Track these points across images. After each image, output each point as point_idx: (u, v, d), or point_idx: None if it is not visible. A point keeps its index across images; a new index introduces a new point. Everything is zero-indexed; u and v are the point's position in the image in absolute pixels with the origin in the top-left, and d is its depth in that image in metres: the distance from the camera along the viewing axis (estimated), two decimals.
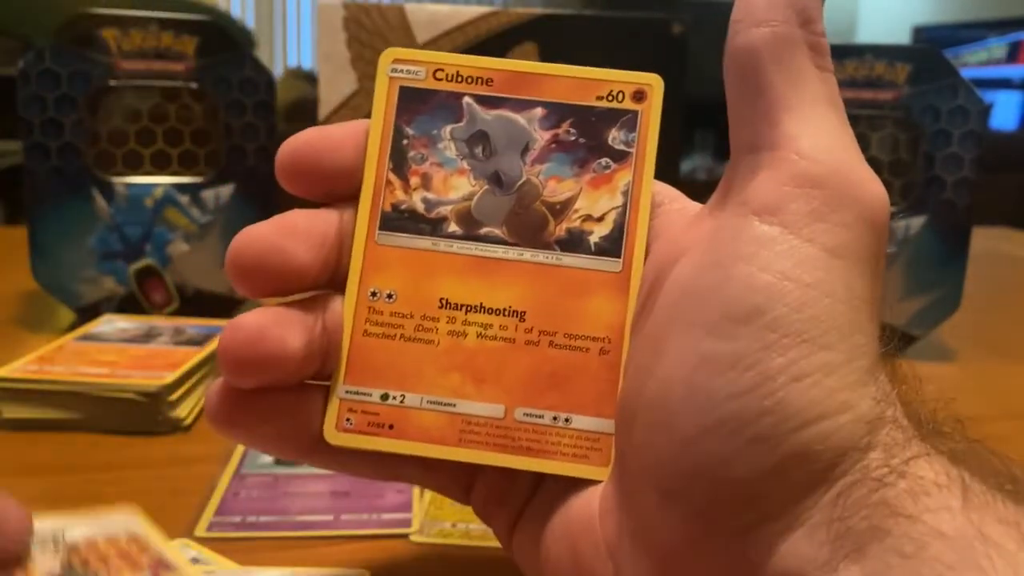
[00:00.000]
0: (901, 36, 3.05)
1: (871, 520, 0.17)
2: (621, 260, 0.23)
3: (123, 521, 0.27)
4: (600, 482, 0.22)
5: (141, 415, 0.38)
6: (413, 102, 0.24)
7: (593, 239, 0.23)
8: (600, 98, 0.23)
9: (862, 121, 0.55)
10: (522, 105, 0.24)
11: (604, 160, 0.23)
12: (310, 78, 1.86)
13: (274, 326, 0.21)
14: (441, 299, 0.23)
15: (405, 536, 0.30)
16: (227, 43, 0.53)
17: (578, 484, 0.22)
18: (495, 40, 0.57)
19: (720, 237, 0.20)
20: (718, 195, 0.22)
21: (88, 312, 0.52)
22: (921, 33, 3.06)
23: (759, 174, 0.20)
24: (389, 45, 0.56)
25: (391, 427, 0.23)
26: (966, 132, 0.53)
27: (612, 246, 0.23)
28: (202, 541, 0.29)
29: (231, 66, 0.53)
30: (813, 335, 0.18)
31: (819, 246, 0.19)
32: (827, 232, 0.19)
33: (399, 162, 0.23)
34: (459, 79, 0.24)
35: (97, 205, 0.52)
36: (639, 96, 0.23)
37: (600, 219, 0.23)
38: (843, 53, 0.53)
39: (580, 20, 0.59)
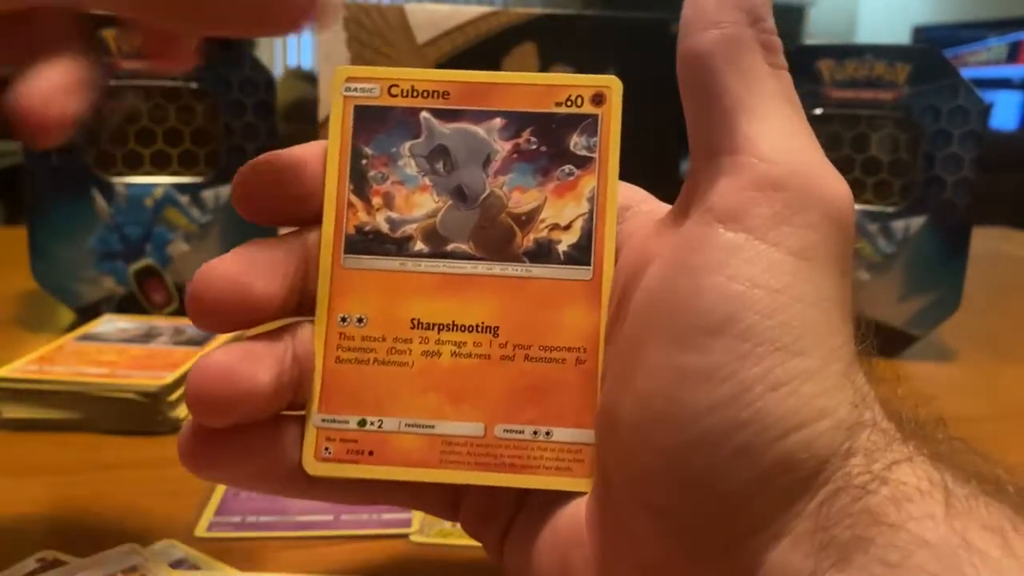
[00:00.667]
0: (901, 36, 3.05)
1: (854, 529, 0.17)
2: (591, 268, 0.23)
3: (124, 557, 0.27)
4: (584, 494, 0.22)
5: (141, 415, 0.38)
6: (370, 120, 0.23)
7: (561, 248, 0.23)
8: (559, 104, 0.23)
9: (862, 121, 0.55)
10: (480, 116, 0.23)
11: (567, 167, 0.23)
12: (310, 78, 1.86)
13: (242, 362, 0.21)
14: (412, 319, 0.23)
15: (405, 536, 0.30)
16: (227, 43, 0.53)
17: (563, 497, 0.22)
18: (495, 40, 0.57)
19: (686, 246, 0.20)
20: (681, 200, 0.21)
21: (88, 312, 0.52)
22: (921, 33, 3.06)
23: (720, 179, 0.20)
24: (389, 45, 0.56)
25: (371, 453, 0.22)
26: (966, 132, 0.53)
27: (581, 254, 0.23)
28: (202, 541, 0.29)
29: (231, 66, 0.53)
30: (786, 342, 0.18)
31: (785, 250, 0.19)
32: (792, 235, 0.19)
33: (359, 183, 0.23)
34: (415, 94, 0.23)
35: (97, 205, 0.52)
36: (598, 99, 0.23)
37: (567, 227, 0.23)
38: (843, 53, 0.53)
39: (580, 20, 0.59)
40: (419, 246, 0.23)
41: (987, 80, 2.59)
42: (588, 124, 0.23)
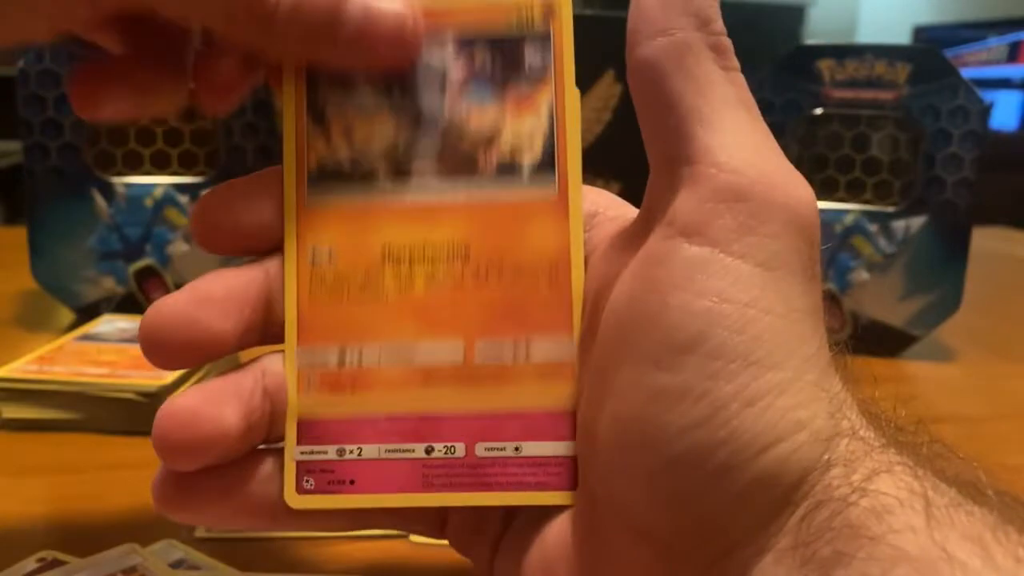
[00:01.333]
0: (901, 36, 3.05)
1: (835, 544, 0.17)
2: (556, 184, 0.23)
3: (123, 557, 0.27)
4: (568, 507, 0.22)
5: (141, 415, 0.38)
6: None
7: (525, 166, 0.23)
8: (509, 22, 0.23)
9: (862, 121, 0.55)
10: (434, 40, 0.23)
11: (523, 84, 0.23)
12: None
13: (207, 405, 0.21)
14: (384, 248, 0.22)
15: (405, 536, 0.30)
16: None
17: (550, 512, 0.22)
18: None
19: (651, 262, 0.19)
20: (643, 212, 0.21)
21: (88, 312, 0.52)
22: (921, 33, 3.06)
23: (680, 192, 0.19)
24: None
25: (352, 482, 0.22)
26: (966, 132, 0.53)
27: (544, 171, 0.23)
28: (202, 541, 0.29)
29: None
30: (759, 356, 0.18)
31: (752, 261, 0.18)
32: (758, 245, 0.19)
33: (318, 116, 0.23)
34: None
35: (97, 205, 0.52)
36: (548, 14, 0.23)
37: (529, 145, 0.23)
38: (843, 53, 0.53)
39: (580, 20, 0.59)
40: (383, 176, 0.23)
41: (987, 80, 2.59)
42: (540, 39, 0.23)
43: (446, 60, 0.23)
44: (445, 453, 0.22)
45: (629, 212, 0.23)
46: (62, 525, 0.31)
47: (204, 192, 0.23)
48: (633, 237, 0.21)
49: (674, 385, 0.18)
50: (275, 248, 0.23)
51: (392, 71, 0.23)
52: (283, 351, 0.23)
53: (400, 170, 0.23)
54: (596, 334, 0.21)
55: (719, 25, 0.20)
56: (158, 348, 0.21)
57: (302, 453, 0.22)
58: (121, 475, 0.35)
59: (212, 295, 0.21)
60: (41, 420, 0.39)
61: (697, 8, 0.20)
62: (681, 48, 0.20)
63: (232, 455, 0.22)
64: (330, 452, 0.22)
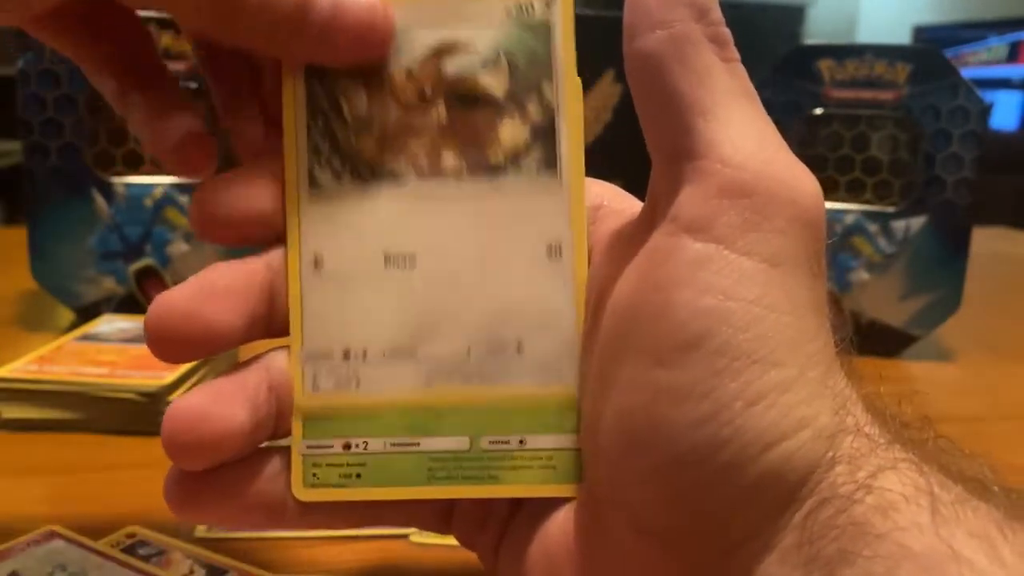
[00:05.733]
0: (901, 36, 3.05)
1: (839, 542, 0.17)
2: (559, 176, 0.22)
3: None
4: (572, 499, 0.22)
5: (141, 415, 0.38)
6: None
7: (527, 159, 0.23)
8: (509, 13, 0.23)
9: (862, 121, 0.55)
10: (431, 32, 0.23)
11: (523, 76, 0.23)
12: None
13: (214, 404, 0.21)
14: (385, 254, 0.22)
15: (405, 536, 0.30)
16: None
17: (553, 504, 0.22)
18: None
19: (655, 258, 0.19)
20: (647, 207, 0.21)
21: (88, 312, 0.52)
22: (921, 33, 3.06)
23: (684, 187, 0.19)
24: None
25: (359, 476, 0.22)
26: (966, 132, 0.53)
27: (547, 163, 0.22)
28: (202, 541, 0.29)
29: None
30: (763, 354, 0.18)
31: (757, 258, 0.18)
32: (762, 241, 0.18)
33: (317, 116, 0.23)
34: None
35: (97, 205, 0.52)
36: (549, 3, 0.23)
37: (531, 137, 0.23)
38: (843, 53, 0.53)
39: (580, 20, 0.59)
40: (383, 174, 0.23)
41: (987, 80, 2.59)
42: (540, 29, 0.23)
43: (443, 53, 0.23)
44: (450, 447, 0.22)
45: (633, 205, 0.23)
46: (62, 525, 0.31)
47: (203, 182, 0.23)
48: (637, 232, 0.21)
49: (678, 382, 0.18)
50: (276, 238, 0.23)
51: (367, 65, 0.22)
52: (286, 347, 0.23)
53: (400, 168, 0.23)
54: (599, 330, 0.21)
55: (717, 15, 0.20)
56: (164, 342, 0.21)
57: (308, 447, 0.22)
58: (121, 475, 0.35)
59: (216, 288, 0.21)
60: (41, 420, 0.38)
61: (694, 0, 0.20)
62: (680, 40, 0.19)
63: (241, 452, 0.22)
64: (336, 446, 0.22)
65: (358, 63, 0.22)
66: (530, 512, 0.22)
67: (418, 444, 0.22)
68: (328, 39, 0.21)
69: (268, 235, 0.23)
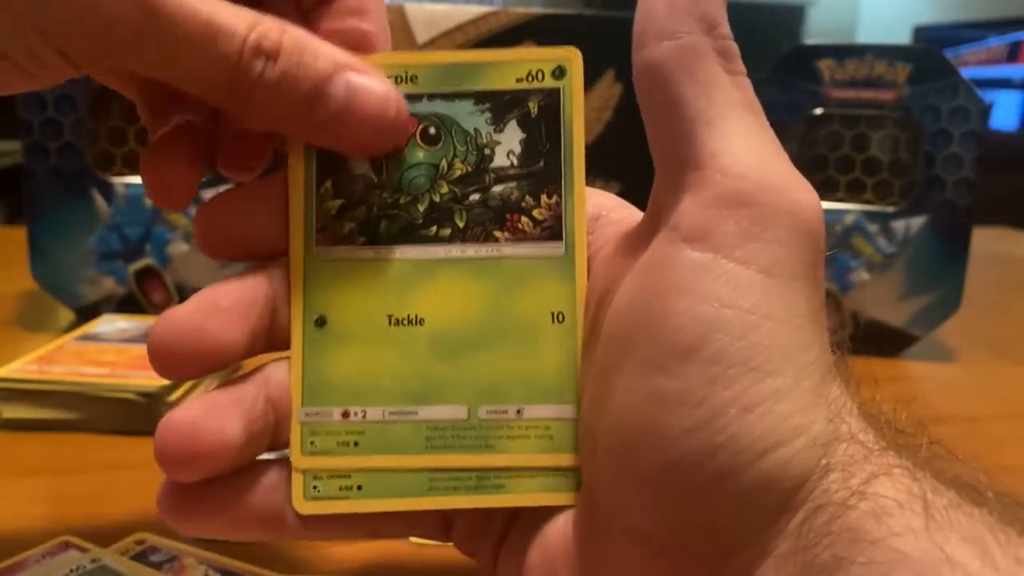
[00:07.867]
0: (901, 36, 3.05)
1: (834, 549, 0.17)
2: (563, 242, 0.23)
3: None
4: (571, 507, 0.22)
5: (141, 415, 0.38)
6: None
7: (532, 226, 0.23)
8: (519, 80, 0.23)
9: (862, 121, 0.55)
10: (449, 98, 0.23)
11: (531, 143, 0.23)
12: None
13: (208, 418, 0.21)
14: (388, 315, 0.23)
15: (405, 536, 0.30)
16: None
17: (552, 512, 0.22)
18: (495, 40, 0.57)
19: (654, 266, 0.20)
20: (648, 215, 0.21)
21: (88, 312, 0.52)
22: (921, 33, 3.06)
23: (685, 196, 0.19)
24: None
25: (359, 488, 0.22)
26: (966, 132, 0.53)
27: (552, 231, 0.23)
28: (202, 541, 0.29)
29: None
30: (758, 362, 0.18)
31: (755, 267, 0.18)
32: (761, 251, 0.19)
33: (324, 176, 0.23)
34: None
35: (97, 205, 0.52)
36: (559, 73, 0.23)
37: (535, 204, 0.23)
38: (843, 53, 0.53)
39: (580, 20, 0.59)
40: (387, 236, 0.23)
41: (987, 80, 2.59)
42: (550, 98, 0.23)
43: (453, 117, 0.23)
44: (455, 465, 0.22)
45: (632, 214, 0.23)
46: (62, 525, 0.31)
47: (206, 198, 0.23)
48: (637, 240, 0.21)
49: (674, 389, 0.18)
50: (278, 252, 0.23)
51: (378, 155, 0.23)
52: (286, 358, 0.23)
53: (405, 231, 0.23)
54: (599, 338, 0.21)
55: (726, 29, 0.20)
56: (168, 359, 0.21)
57: (309, 460, 0.22)
58: (121, 475, 0.35)
59: (219, 304, 0.21)
60: (41, 420, 0.39)
61: (704, 12, 0.20)
62: (687, 52, 0.20)
63: (235, 465, 0.22)
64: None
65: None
66: (529, 519, 0.23)
67: (420, 459, 0.22)
68: (340, 131, 0.22)
69: (271, 250, 0.23)
